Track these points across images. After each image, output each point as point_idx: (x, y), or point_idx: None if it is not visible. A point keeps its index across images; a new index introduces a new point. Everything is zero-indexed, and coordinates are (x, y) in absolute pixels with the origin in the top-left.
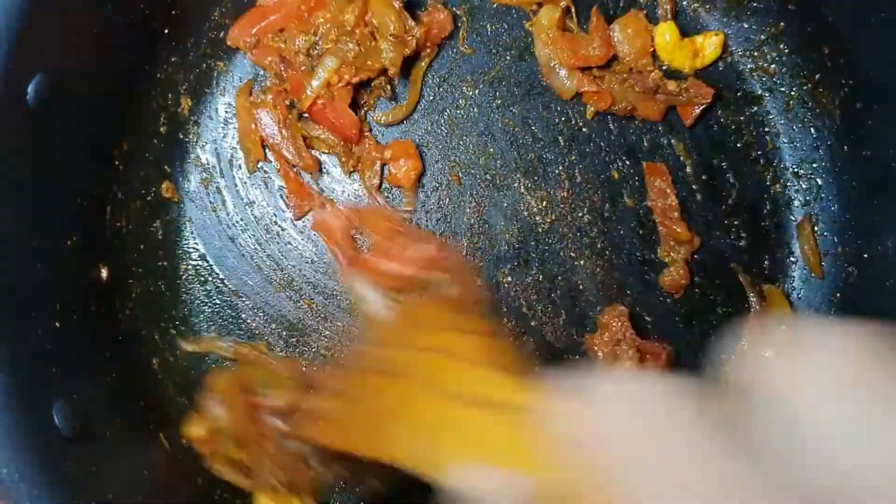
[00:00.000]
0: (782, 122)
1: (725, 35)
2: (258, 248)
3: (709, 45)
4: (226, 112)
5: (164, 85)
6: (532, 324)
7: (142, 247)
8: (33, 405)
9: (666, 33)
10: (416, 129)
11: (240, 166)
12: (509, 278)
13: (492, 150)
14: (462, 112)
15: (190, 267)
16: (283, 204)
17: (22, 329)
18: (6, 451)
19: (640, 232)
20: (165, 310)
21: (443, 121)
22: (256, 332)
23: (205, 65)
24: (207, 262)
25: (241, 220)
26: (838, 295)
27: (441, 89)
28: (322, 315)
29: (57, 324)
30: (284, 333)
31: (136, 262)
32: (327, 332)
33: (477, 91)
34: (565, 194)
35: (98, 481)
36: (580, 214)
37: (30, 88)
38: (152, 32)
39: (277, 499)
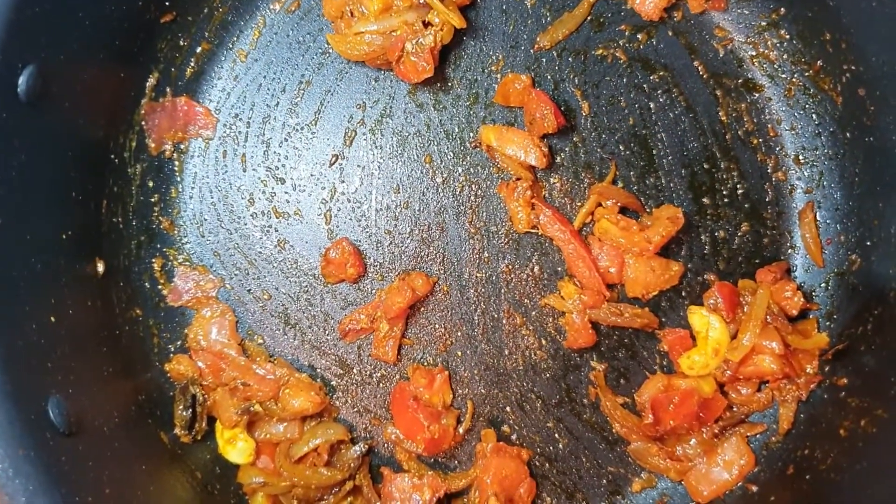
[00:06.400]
0: (783, 109)
1: (727, 21)
2: (257, 241)
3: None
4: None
5: (161, 77)
6: None
7: (138, 241)
8: (28, 400)
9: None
10: None
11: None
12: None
13: None
14: None
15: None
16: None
17: (16, 323)
18: (1, 447)
19: None
20: (162, 305)
21: None
22: (255, 329)
23: (202, 56)
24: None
25: (240, 217)
26: (840, 282)
27: None
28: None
29: (52, 318)
30: (283, 327)
31: (132, 256)
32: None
33: None
34: None
35: (94, 476)
36: None
37: (21, 80)
38: (148, 23)
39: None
